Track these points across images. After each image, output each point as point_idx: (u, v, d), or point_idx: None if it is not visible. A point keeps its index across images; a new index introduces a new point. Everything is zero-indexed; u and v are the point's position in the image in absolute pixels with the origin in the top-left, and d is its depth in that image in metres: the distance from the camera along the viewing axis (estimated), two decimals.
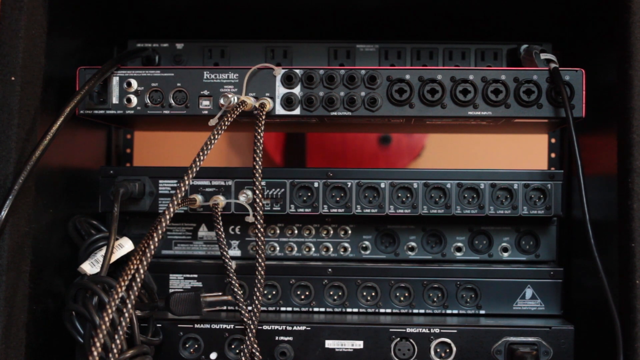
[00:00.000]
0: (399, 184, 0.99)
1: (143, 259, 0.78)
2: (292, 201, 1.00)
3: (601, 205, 0.92)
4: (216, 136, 0.84)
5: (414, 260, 1.04)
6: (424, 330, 0.94)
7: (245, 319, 0.91)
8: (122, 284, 0.78)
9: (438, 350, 0.95)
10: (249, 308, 0.93)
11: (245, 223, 1.03)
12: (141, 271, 0.77)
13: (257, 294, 0.91)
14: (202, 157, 0.83)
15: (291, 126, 1.31)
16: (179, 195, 0.80)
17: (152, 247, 0.77)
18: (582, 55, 1.05)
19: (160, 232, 0.77)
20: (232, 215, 0.99)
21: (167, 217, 0.78)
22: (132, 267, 0.80)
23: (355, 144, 1.86)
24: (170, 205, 0.79)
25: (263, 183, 0.98)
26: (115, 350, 0.76)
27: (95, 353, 0.72)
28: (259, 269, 0.90)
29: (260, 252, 0.90)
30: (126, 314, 0.76)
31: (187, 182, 0.81)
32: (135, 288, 0.77)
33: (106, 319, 0.75)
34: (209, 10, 1.09)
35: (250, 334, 0.91)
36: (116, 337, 0.77)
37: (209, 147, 0.83)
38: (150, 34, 1.11)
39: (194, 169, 0.82)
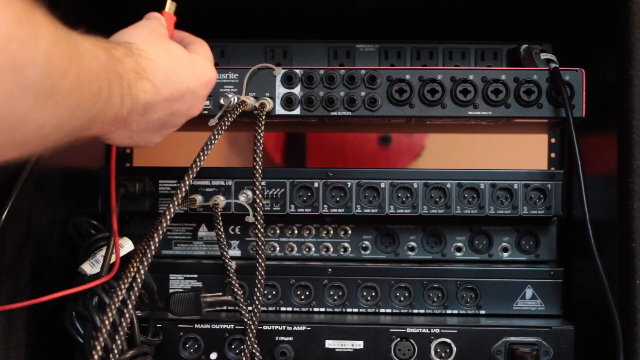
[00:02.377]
0: (399, 184, 0.99)
1: (144, 259, 0.77)
2: (292, 201, 1.00)
3: (601, 205, 0.92)
4: (216, 136, 0.83)
5: (414, 260, 1.04)
6: (424, 330, 0.94)
7: (246, 319, 0.91)
8: (123, 285, 0.78)
9: (438, 350, 0.94)
10: (249, 308, 0.93)
11: (245, 223, 1.03)
12: (142, 272, 0.77)
13: (258, 294, 0.90)
14: (202, 158, 0.83)
15: (291, 126, 1.31)
16: (180, 196, 0.79)
17: (152, 247, 0.77)
18: (582, 55, 1.05)
19: (161, 232, 0.77)
20: (232, 215, 0.99)
21: (168, 217, 0.78)
22: (132, 268, 0.80)
23: (355, 144, 1.86)
24: (171, 205, 0.79)
25: (263, 183, 0.98)
26: (115, 351, 0.76)
27: (96, 357, 0.72)
28: (259, 269, 0.90)
29: (260, 252, 0.90)
30: (127, 315, 0.76)
31: (187, 183, 0.80)
32: (136, 289, 0.77)
33: (107, 322, 0.74)
34: (208, 10, 1.09)
35: (250, 334, 0.90)
36: (117, 337, 0.76)
37: (209, 147, 0.82)
38: None
39: (195, 170, 0.81)
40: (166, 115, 0.74)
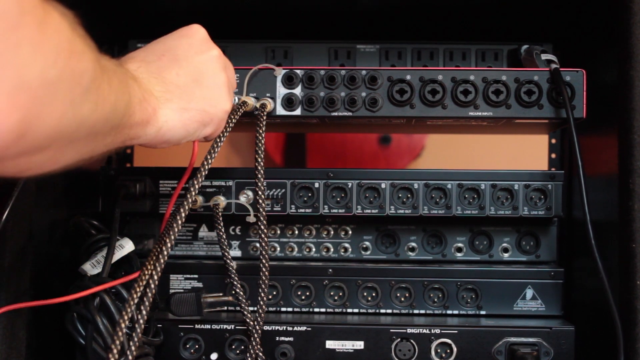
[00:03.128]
0: (400, 184, 0.99)
1: (157, 265, 0.76)
2: (292, 201, 1.00)
3: (602, 206, 0.92)
4: (222, 138, 0.83)
5: (414, 261, 1.04)
6: (424, 331, 0.94)
7: (249, 320, 0.91)
8: (138, 290, 0.77)
9: (439, 350, 0.95)
10: (251, 309, 0.93)
11: (245, 223, 1.03)
12: (155, 277, 0.76)
13: (262, 294, 0.90)
14: (210, 160, 0.82)
15: (292, 126, 1.31)
16: (190, 200, 0.79)
17: (165, 252, 0.76)
18: (583, 55, 1.05)
19: (173, 237, 0.76)
20: (232, 215, 0.99)
21: (180, 221, 0.77)
22: (145, 274, 0.79)
23: (355, 144, 1.86)
24: (182, 209, 0.78)
25: (264, 183, 0.98)
26: (129, 357, 0.75)
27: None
28: (263, 269, 0.90)
29: (264, 253, 0.90)
30: (141, 321, 0.75)
31: (197, 187, 0.80)
32: (147, 303, 0.75)
33: (118, 337, 0.73)
34: (209, 11, 1.09)
35: (256, 335, 0.90)
36: (131, 344, 0.75)
37: (216, 149, 0.82)
38: (151, 34, 1.11)
39: (203, 172, 0.81)
40: (181, 67, 0.75)
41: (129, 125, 0.64)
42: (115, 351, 0.70)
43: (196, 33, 0.80)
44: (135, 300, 0.76)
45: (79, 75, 0.51)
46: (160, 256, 0.76)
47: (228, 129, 0.84)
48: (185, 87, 0.74)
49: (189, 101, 0.74)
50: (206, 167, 0.81)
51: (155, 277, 0.75)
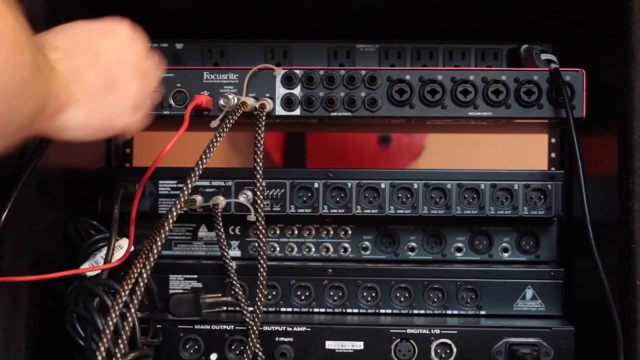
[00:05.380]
0: (399, 184, 0.99)
1: (146, 263, 0.77)
2: (292, 201, 0.99)
3: (602, 206, 0.92)
4: (219, 138, 0.83)
5: (414, 261, 1.04)
6: (424, 331, 0.94)
7: (248, 320, 0.91)
8: (126, 287, 0.77)
9: (438, 351, 0.94)
10: (250, 309, 0.93)
11: (245, 223, 1.03)
12: (144, 275, 0.76)
13: (260, 295, 0.90)
14: (205, 160, 0.82)
15: (291, 126, 1.31)
16: (182, 199, 0.79)
17: (155, 250, 0.76)
18: (583, 55, 1.05)
19: (163, 235, 0.76)
20: (232, 215, 0.99)
21: (170, 220, 0.77)
22: (135, 270, 0.79)
23: (355, 144, 1.86)
24: (174, 208, 0.78)
25: (263, 184, 0.98)
26: (119, 355, 0.75)
27: (100, 358, 0.72)
28: (261, 270, 0.90)
29: (262, 253, 0.90)
30: (129, 319, 0.75)
31: (190, 186, 0.80)
32: (138, 292, 0.76)
33: (110, 323, 0.74)
34: (209, 10, 1.09)
35: (253, 335, 0.90)
36: (119, 342, 0.76)
37: (212, 149, 0.82)
38: (150, 34, 1.11)
39: (197, 172, 0.81)
40: (99, 69, 0.71)
41: (42, 119, 0.62)
42: (102, 349, 0.71)
43: (120, 34, 0.77)
44: (124, 300, 0.76)
45: (21, 66, 0.50)
46: (151, 254, 0.76)
47: (225, 130, 0.84)
48: (98, 92, 0.71)
49: (97, 106, 0.71)
50: (200, 168, 0.81)
51: (145, 276, 0.76)
